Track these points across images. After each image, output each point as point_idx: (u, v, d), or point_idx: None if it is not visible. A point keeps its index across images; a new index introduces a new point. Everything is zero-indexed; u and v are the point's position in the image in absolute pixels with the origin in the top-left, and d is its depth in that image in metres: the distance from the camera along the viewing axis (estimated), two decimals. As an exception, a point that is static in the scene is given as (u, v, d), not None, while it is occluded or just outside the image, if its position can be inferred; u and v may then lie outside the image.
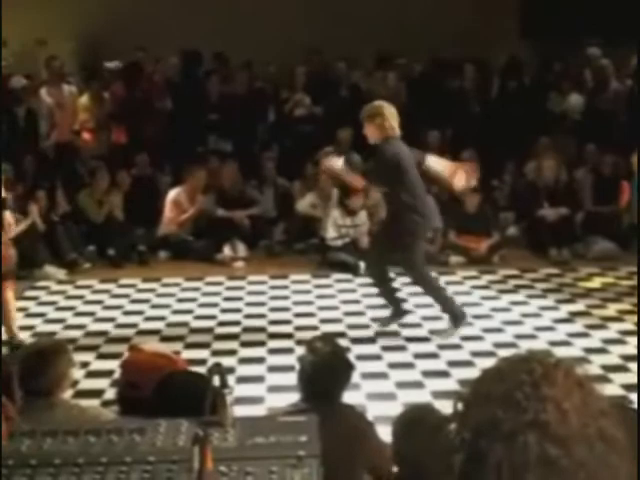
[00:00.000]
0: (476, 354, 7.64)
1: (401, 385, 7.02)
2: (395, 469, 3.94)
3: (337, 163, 8.41)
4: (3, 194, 7.27)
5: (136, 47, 13.38)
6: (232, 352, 7.79)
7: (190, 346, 8.00)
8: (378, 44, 13.66)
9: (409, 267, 8.23)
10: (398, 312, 8.40)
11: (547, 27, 13.75)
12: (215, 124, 12.89)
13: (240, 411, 4.70)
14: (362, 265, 10.40)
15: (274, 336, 8.25)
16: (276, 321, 8.74)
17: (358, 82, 13.54)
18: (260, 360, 7.63)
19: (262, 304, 9.35)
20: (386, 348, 7.87)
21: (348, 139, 12.16)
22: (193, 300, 9.50)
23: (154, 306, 9.31)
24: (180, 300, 9.51)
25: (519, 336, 8.12)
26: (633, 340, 7.80)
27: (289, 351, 7.77)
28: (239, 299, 9.54)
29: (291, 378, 6.50)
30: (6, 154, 10.56)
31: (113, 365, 7.32)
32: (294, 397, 4.70)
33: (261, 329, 8.48)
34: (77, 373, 6.75)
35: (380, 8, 14.28)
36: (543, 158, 11.57)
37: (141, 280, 10.21)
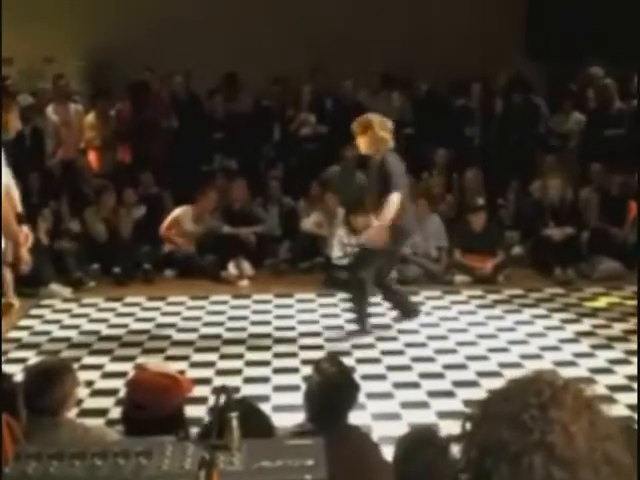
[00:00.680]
0: (482, 374, 7.62)
1: (406, 405, 7.00)
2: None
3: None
4: (19, 209, 7.29)
5: (143, 67, 13.42)
6: (237, 371, 7.78)
7: (195, 365, 7.99)
8: (383, 63, 13.69)
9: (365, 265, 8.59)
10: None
11: (552, 47, 13.77)
12: (220, 143, 12.92)
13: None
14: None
15: (279, 355, 8.24)
16: (281, 340, 8.73)
17: (363, 101, 13.56)
18: (265, 380, 7.62)
19: (267, 323, 9.34)
20: (391, 368, 7.86)
21: (353, 158, 12.18)
22: (198, 319, 9.49)
23: (159, 325, 9.31)
24: (185, 319, 9.51)
25: (524, 356, 8.10)
26: (639, 360, 7.78)
27: (294, 370, 7.76)
28: (244, 318, 9.53)
29: (296, 398, 6.50)
30: (12, 172, 10.56)
31: (118, 384, 7.32)
32: (299, 417, 4.70)
33: (266, 348, 8.47)
34: (82, 392, 6.74)
35: (386, 27, 14.32)
36: (549, 177, 11.57)
37: (146, 298, 10.21)
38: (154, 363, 6.90)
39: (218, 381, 7.39)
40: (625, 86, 12.76)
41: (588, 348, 8.38)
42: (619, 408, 6.59)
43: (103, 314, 9.69)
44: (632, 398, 6.87)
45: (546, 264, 10.91)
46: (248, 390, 7.21)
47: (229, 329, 9.14)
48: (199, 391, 6.14)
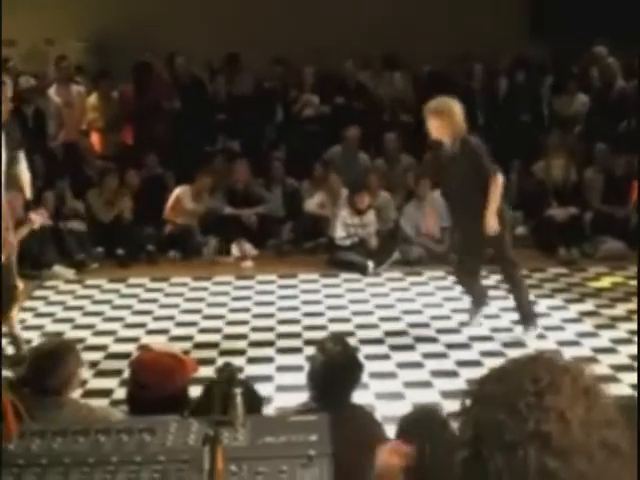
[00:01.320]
0: (485, 354, 7.63)
1: (409, 385, 7.01)
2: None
3: None
4: (28, 195, 7.32)
5: (145, 48, 13.38)
6: (241, 352, 7.79)
7: (198, 346, 8.01)
8: (386, 44, 13.65)
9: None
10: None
11: (557, 26, 13.71)
12: (223, 124, 12.90)
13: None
14: (371, 265, 10.41)
15: (282, 336, 8.25)
16: (284, 320, 8.74)
17: (366, 82, 13.54)
18: (269, 360, 7.63)
19: (270, 303, 9.35)
20: (394, 348, 7.87)
21: (355, 138, 12.18)
22: (201, 300, 9.50)
23: (163, 306, 9.32)
24: (189, 300, 9.52)
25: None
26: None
27: (298, 350, 7.77)
28: (247, 298, 9.54)
29: (300, 378, 6.52)
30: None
31: (122, 365, 7.33)
32: (303, 397, 4.70)
33: (269, 329, 8.48)
34: (86, 373, 6.76)
35: (388, 7, 14.27)
36: (553, 157, 11.54)
37: (150, 280, 10.22)
38: (158, 343, 6.95)
39: (222, 361, 7.39)
40: (629, 66, 12.71)
41: (591, 328, 8.38)
42: (622, 387, 6.60)
43: (107, 295, 9.70)
44: (635, 378, 6.87)
45: (549, 244, 10.90)
46: (252, 370, 7.22)
47: (232, 310, 9.15)
48: (203, 372, 6.13)
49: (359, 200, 10.75)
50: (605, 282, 9.97)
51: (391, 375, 7.23)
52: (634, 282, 9.71)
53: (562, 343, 7.83)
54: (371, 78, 13.63)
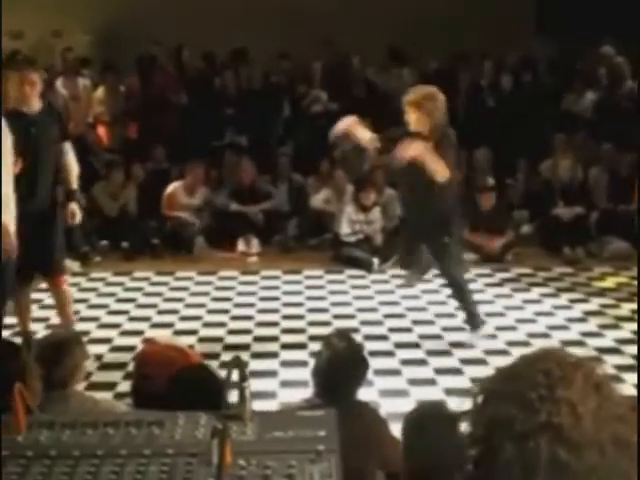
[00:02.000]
0: (489, 352, 7.63)
1: (414, 382, 7.01)
2: (405, 465, 3.93)
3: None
4: (74, 185, 7.40)
5: (152, 41, 13.39)
6: (245, 347, 7.79)
7: (203, 340, 8.02)
8: (393, 39, 13.65)
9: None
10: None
11: (563, 24, 13.70)
12: (231, 118, 12.89)
13: (253, 406, 4.70)
14: (376, 261, 10.41)
15: (287, 331, 8.26)
16: (289, 316, 8.74)
17: (373, 78, 13.53)
18: (273, 355, 7.63)
19: (275, 299, 9.35)
20: (399, 345, 7.87)
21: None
22: (206, 294, 9.51)
23: (167, 299, 9.33)
24: (193, 294, 9.52)
25: (532, 335, 8.10)
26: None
27: (302, 346, 7.78)
28: (252, 294, 9.55)
29: (304, 373, 6.52)
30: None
31: (126, 358, 7.36)
32: (307, 392, 4.71)
33: (274, 324, 8.49)
34: (90, 365, 6.77)
35: (396, 3, 14.27)
36: (560, 156, 11.53)
37: (154, 273, 10.23)
38: (163, 336, 6.95)
39: (226, 356, 7.41)
40: (637, 65, 12.70)
41: (596, 327, 8.38)
42: (626, 387, 6.59)
43: (111, 288, 9.71)
44: (640, 378, 6.87)
45: (555, 243, 10.90)
46: (256, 365, 7.22)
47: (237, 305, 9.15)
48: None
49: (365, 197, 10.75)
50: (610, 282, 9.96)
51: (395, 372, 7.24)
52: (639, 282, 9.72)
53: (567, 343, 7.82)
54: (378, 74, 13.62)
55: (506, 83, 13.27)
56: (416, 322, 8.50)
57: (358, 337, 7.58)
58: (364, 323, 8.49)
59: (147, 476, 2.20)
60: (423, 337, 8.08)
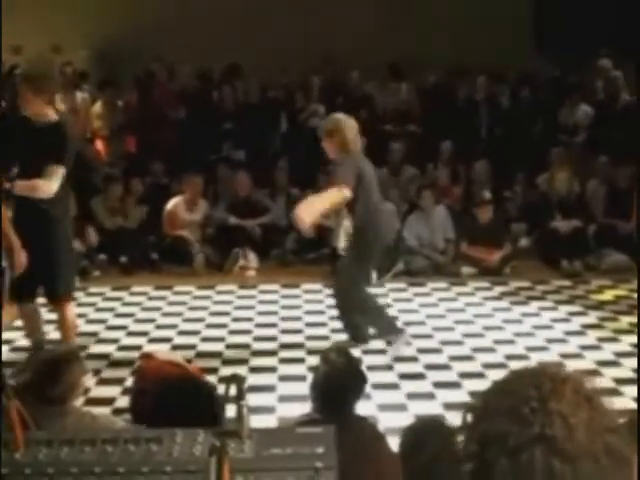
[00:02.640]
0: (487, 366, 7.62)
1: (412, 396, 7.00)
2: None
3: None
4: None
5: (152, 56, 13.42)
6: (243, 361, 7.78)
7: (201, 355, 8.01)
8: (389, 55, 13.69)
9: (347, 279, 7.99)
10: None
11: (561, 40, 13.75)
12: (228, 133, 12.91)
13: (251, 421, 4.70)
14: (374, 275, 10.40)
15: (285, 346, 8.25)
16: (287, 330, 8.74)
17: (372, 92, 13.57)
18: (271, 369, 7.62)
19: (273, 313, 9.35)
20: (397, 359, 7.86)
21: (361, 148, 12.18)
22: (204, 308, 9.51)
23: (166, 314, 9.32)
24: (192, 308, 9.52)
25: (530, 348, 8.10)
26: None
27: (300, 361, 7.77)
28: (250, 308, 9.54)
29: (302, 388, 6.51)
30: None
31: (124, 373, 7.35)
32: (305, 407, 4.70)
33: (272, 338, 8.48)
34: (88, 381, 6.76)
35: (392, 18, 14.32)
36: (557, 169, 11.55)
37: (153, 288, 10.22)
38: (162, 351, 6.94)
39: (224, 371, 7.41)
40: (634, 78, 12.73)
41: (594, 340, 8.37)
42: (625, 401, 6.60)
43: (110, 303, 9.71)
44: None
45: (553, 256, 10.90)
46: (254, 380, 7.21)
47: (235, 319, 9.15)
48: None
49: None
50: (608, 295, 9.97)
51: (394, 386, 7.23)
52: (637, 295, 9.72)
53: (565, 356, 7.82)
54: (377, 88, 13.66)
55: (504, 98, 13.32)
56: (414, 336, 8.48)
57: (356, 351, 7.57)
58: (362, 337, 8.46)
59: (145, 493, 2.21)
60: (421, 351, 8.07)
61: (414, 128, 13.03)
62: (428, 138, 12.67)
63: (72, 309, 7.39)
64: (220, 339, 8.48)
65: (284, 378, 7.40)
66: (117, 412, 6.25)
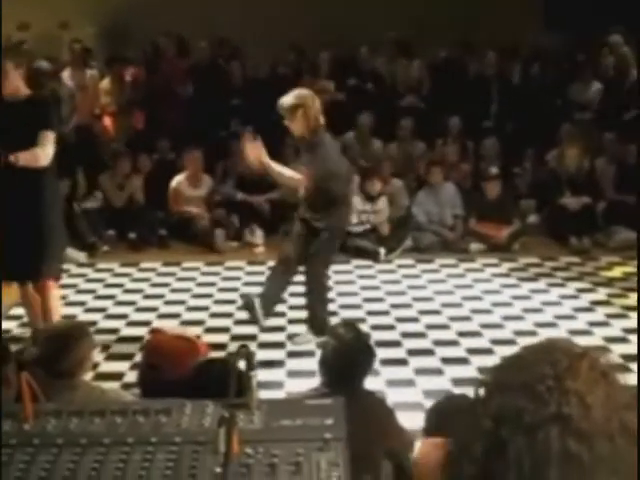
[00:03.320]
0: (496, 342, 7.62)
1: (420, 372, 7.01)
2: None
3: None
4: None
5: (161, 32, 13.37)
6: (252, 337, 7.79)
7: (210, 330, 8.02)
8: (400, 30, 13.62)
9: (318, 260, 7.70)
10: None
11: (572, 16, 13.66)
12: (237, 109, 12.87)
13: (260, 395, 4.71)
14: (382, 251, 10.41)
15: (294, 321, 8.25)
16: (295, 306, 8.73)
17: (381, 69, 13.52)
18: (280, 345, 7.64)
19: (282, 289, 9.33)
20: (405, 335, 7.86)
21: (368, 125, 12.16)
22: (213, 284, 9.51)
23: (174, 290, 9.33)
24: (200, 284, 9.53)
25: (539, 324, 8.10)
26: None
27: (309, 336, 7.76)
28: (259, 284, 9.52)
29: (311, 363, 6.53)
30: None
31: (133, 348, 7.37)
32: (314, 382, 4.71)
33: (281, 314, 8.48)
34: (97, 356, 6.78)
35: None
36: (567, 146, 11.51)
37: (161, 264, 10.23)
38: (172, 327, 6.96)
39: (233, 346, 7.42)
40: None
41: (603, 317, 8.37)
42: (634, 377, 6.57)
43: (118, 279, 9.73)
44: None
45: (562, 233, 10.87)
46: (263, 355, 7.22)
47: (244, 295, 9.14)
48: (214, 356, 6.15)
49: (370, 186, 10.73)
50: (617, 272, 9.95)
51: (402, 362, 7.23)
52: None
53: (574, 332, 7.82)
54: (386, 64, 13.61)
55: (515, 74, 13.25)
56: (423, 312, 8.49)
57: (365, 327, 7.58)
58: (371, 313, 8.48)
59: (154, 464, 2.20)
60: (430, 327, 8.07)
61: (422, 104, 12.97)
62: (438, 114, 12.62)
63: (55, 293, 7.12)
64: (229, 315, 8.49)
65: (293, 354, 7.42)
66: (126, 387, 6.27)
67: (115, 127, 12.80)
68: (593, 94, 12.84)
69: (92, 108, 12.68)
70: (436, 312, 8.53)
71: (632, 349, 7.43)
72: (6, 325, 7.81)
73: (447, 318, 8.34)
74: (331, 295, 9.10)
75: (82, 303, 8.90)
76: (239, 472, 2.13)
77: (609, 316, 8.38)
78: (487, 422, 1.29)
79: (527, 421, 1.25)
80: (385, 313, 8.50)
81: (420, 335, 7.89)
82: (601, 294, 9.08)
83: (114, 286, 9.47)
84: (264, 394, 5.87)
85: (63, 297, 9.03)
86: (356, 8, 14.08)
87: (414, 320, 8.29)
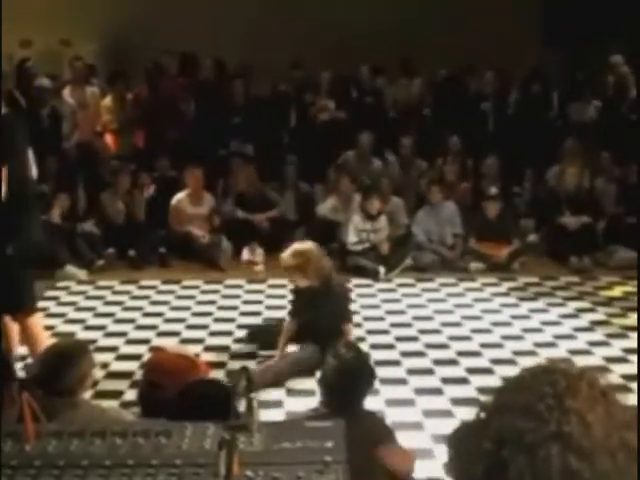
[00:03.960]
0: (495, 361, 7.61)
1: (420, 391, 7.00)
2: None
3: None
4: None
5: (163, 50, 13.41)
6: (251, 355, 7.78)
7: (209, 349, 8.01)
8: (400, 50, 13.67)
9: None
10: None
11: (571, 36, 13.70)
12: (238, 127, 12.89)
13: (260, 415, 4.70)
14: (382, 270, 10.41)
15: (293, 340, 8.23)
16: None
17: (382, 88, 13.56)
18: (279, 364, 7.61)
19: (282, 307, 9.32)
20: (405, 354, 7.86)
21: (369, 144, 12.18)
22: (213, 303, 9.51)
23: (174, 308, 9.33)
24: (200, 302, 9.52)
25: (539, 344, 8.08)
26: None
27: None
28: (259, 302, 9.54)
29: (310, 382, 6.53)
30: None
31: (133, 366, 7.36)
32: (313, 401, 4.71)
33: (280, 332, 8.45)
34: (97, 374, 6.77)
35: (404, 13, 14.30)
36: (566, 165, 11.52)
37: (161, 282, 10.23)
38: (172, 345, 6.95)
39: (233, 365, 7.41)
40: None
41: (603, 337, 8.36)
42: (634, 397, 6.57)
43: (118, 297, 9.72)
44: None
45: (562, 252, 10.87)
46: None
47: (243, 313, 9.15)
48: (214, 374, 6.15)
49: (370, 205, 10.73)
50: (617, 291, 9.95)
51: (402, 381, 7.22)
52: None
53: (573, 352, 7.81)
54: (387, 83, 13.65)
55: (514, 94, 13.28)
56: (422, 331, 8.49)
57: (365, 346, 7.57)
58: (370, 332, 8.47)
59: (155, 486, 2.21)
60: (429, 346, 8.07)
61: (423, 123, 13.02)
62: (438, 132, 12.65)
63: (39, 321, 6.86)
64: (228, 333, 8.48)
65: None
66: (125, 405, 6.26)
67: (116, 145, 12.82)
68: (593, 112, 12.87)
69: (93, 125, 12.70)
70: (436, 331, 8.53)
71: (632, 369, 7.41)
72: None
73: (447, 337, 8.33)
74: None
75: (82, 321, 8.89)
76: (240, 495, 2.14)
77: (609, 336, 8.37)
78: (488, 444, 1.30)
79: (528, 440, 1.26)
80: (385, 332, 8.50)
81: (420, 354, 7.88)
82: (601, 314, 9.08)
83: (114, 304, 9.46)
84: (264, 413, 5.87)
85: (62, 315, 9.06)
86: (356, 28, 14.12)
87: (414, 339, 8.28)
